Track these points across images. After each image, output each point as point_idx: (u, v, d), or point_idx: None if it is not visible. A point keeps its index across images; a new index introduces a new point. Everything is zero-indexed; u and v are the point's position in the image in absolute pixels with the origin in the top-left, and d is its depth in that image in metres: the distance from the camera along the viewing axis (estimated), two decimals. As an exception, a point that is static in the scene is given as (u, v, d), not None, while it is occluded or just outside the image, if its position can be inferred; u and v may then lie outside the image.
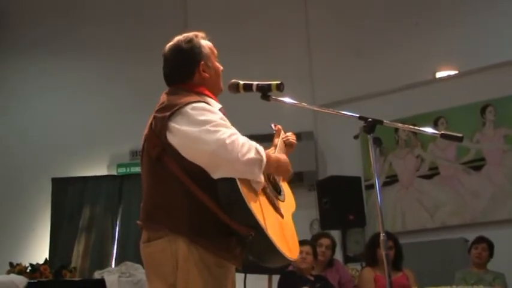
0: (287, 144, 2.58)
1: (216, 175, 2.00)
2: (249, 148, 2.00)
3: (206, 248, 2.01)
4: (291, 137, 2.64)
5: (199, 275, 2.00)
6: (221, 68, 2.36)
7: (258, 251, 2.01)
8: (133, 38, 7.43)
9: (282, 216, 2.15)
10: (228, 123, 2.09)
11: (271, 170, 2.17)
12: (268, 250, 1.96)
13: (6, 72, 7.53)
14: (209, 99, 2.20)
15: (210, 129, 1.99)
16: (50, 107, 7.39)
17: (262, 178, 2.04)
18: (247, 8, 7.44)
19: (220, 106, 2.23)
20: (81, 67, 7.45)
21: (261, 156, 2.01)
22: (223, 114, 2.17)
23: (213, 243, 2.01)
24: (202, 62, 2.25)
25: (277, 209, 2.14)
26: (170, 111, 2.06)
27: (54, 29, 7.49)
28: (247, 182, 2.01)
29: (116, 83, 7.35)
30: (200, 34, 2.33)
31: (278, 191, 2.27)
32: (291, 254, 2.05)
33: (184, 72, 2.25)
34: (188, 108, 2.06)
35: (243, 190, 1.95)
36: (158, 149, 2.08)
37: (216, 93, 2.30)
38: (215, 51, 2.36)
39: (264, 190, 2.11)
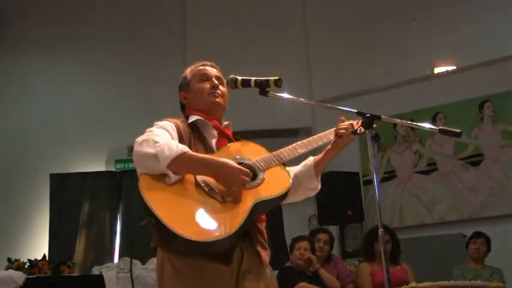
0: (337, 135, 2.38)
1: None
2: (148, 145, 2.07)
3: (175, 252, 2.06)
4: (343, 125, 2.39)
5: (173, 285, 2.08)
6: (204, 86, 2.42)
7: (162, 236, 2.02)
8: (132, 34, 7.41)
9: (221, 201, 2.08)
10: (165, 129, 2.21)
11: (196, 171, 2.14)
12: (167, 233, 1.94)
13: (4, 67, 7.51)
14: (191, 116, 2.38)
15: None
16: (48, 103, 7.38)
17: (164, 172, 2.05)
18: (245, 4, 7.43)
19: (196, 118, 2.35)
20: (80, 62, 7.45)
21: (155, 153, 2.04)
22: (208, 123, 2.35)
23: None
24: (180, 93, 2.49)
25: (214, 195, 2.09)
26: None
27: (52, 24, 7.48)
28: (158, 176, 2.07)
29: (115, 79, 7.34)
30: (191, 67, 2.52)
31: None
32: (198, 235, 1.96)
33: (180, 108, 2.52)
34: None
35: (143, 182, 2.04)
36: None
37: (203, 108, 2.40)
38: (199, 72, 2.46)
39: (196, 176, 2.13)
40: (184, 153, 2.07)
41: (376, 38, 6.98)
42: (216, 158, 2.14)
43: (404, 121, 2.50)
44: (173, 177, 2.06)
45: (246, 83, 2.36)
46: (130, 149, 7.01)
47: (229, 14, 7.42)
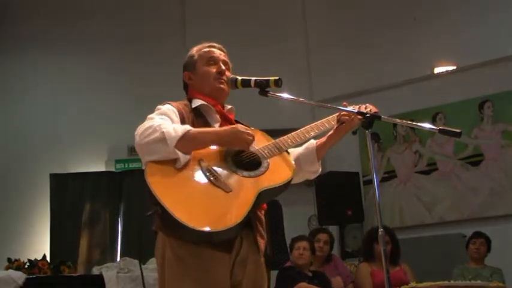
0: (339, 121, 2.44)
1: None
2: (153, 131, 2.06)
3: (176, 237, 2.05)
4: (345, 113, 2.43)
5: (173, 270, 2.08)
6: (210, 70, 2.40)
7: (169, 226, 2.02)
8: (132, 33, 7.40)
9: (226, 190, 2.08)
10: (167, 115, 2.19)
11: (203, 143, 2.17)
12: (174, 223, 1.95)
13: (4, 67, 7.50)
14: (195, 100, 2.36)
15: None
16: (48, 103, 7.37)
17: (173, 155, 2.05)
18: (245, 4, 7.43)
19: (200, 103, 2.33)
20: (79, 62, 7.44)
21: (162, 136, 2.03)
22: (209, 111, 2.33)
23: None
24: (185, 73, 2.46)
25: (219, 184, 2.08)
26: None
27: (51, 23, 7.47)
28: (164, 164, 2.07)
29: (115, 79, 7.33)
30: (198, 46, 2.49)
31: (251, 165, 2.22)
32: (204, 225, 1.96)
33: (184, 87, 2.50)
34: None
35: (149, 172, 2.04)
36: None
37: (207, 92, 2.38)
38: (207, 54, 2.44)
39: (201, 165, 2.12)
40: (189, 130, 2.11)
41: (376, 38, 6.98)
42: (206, 130, 2.20)
43: (404, 121, 2.51)
44: (183, 158, 2.08)
45: (246, 83, 2.36)
46: (131, 149, 7.03)
47: (229, 14, 7.41)
